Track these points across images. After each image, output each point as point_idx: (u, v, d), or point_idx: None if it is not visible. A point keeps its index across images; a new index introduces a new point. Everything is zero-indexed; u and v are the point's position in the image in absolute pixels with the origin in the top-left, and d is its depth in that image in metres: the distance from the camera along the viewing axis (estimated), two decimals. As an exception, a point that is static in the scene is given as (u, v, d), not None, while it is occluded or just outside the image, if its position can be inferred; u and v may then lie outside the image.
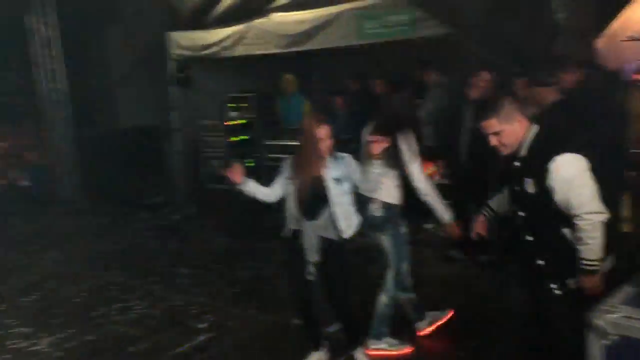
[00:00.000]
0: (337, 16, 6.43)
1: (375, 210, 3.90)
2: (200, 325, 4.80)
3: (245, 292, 5.52)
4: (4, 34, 8.96)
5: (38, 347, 4.62)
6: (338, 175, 3.64)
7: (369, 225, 3.95)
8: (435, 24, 5.73)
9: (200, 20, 7.68)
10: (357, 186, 3.81)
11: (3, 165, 11.09)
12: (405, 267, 4.07)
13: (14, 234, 8.28)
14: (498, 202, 3.33)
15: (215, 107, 8.26)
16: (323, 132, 3.58)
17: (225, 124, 7.57)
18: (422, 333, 4.29)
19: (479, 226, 3.40)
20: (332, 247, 3.69)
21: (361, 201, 3.89)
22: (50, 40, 9.25)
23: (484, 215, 3.39)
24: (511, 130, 2.88)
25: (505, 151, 2.94)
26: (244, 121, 7.71)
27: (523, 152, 2.90)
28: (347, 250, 3.83)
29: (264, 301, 5.25)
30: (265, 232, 7.13)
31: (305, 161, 3.63)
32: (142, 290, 5.70)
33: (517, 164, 2.92)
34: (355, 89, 7.49)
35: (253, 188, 3.78)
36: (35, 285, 6.05)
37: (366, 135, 4.03)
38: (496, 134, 2.90)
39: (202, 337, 4.60)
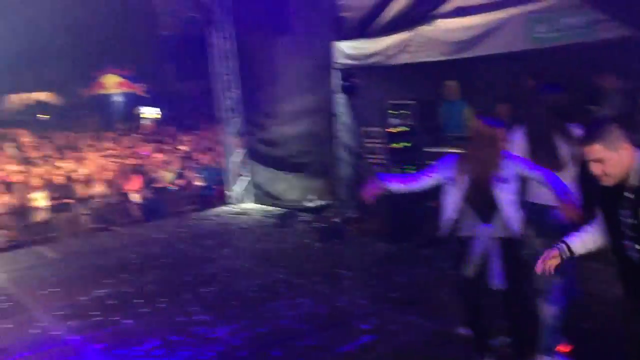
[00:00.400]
0: (506, 21, 6.26)
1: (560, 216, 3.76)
2: (364, 327, 4.95)
3: (406, 297, 5.58)
4: (188, 48, 9.92)
5: (218, 335, 5.05)
6: (507, 175, 3.58)
7: (548, 232, 3.82)
8: (615, 26, 5.37)
9: (365, 29, 7.88)
10: (528, 184, 3.72)
11: (182, 167, 12.24)
12: (574, 277, 3.91)
13: (192, 230, 9.11)
14: (582, 241, 2.94)
15: (376, 114, 8.42)
16: (499, 134, 3.55)
17: (386, 130, 7.70)
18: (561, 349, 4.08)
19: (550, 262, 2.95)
20: (506, 248, 3.63)
21: (538, 209, 3.78)
22: (228, 53, 10.10)
23: (560, 253, 2.94)
24: (617, 159, 2.58)
25: (608, 182, 2.63)
26: (405, 128, 7.77)
27: (633, 181, 2.59)
28: (522, 254, 3.76)
29: (425, 308, 5.27)
30: (425, 237, 7.14)
31: (479, 162, 3.61)
32: (307, 288, 6.00)
33: (628, 195, 2.65)
34: (530, 88, 7.16)
35: (395, 187, 3.86)
36: (212, 277, 6.62)
37: (518, 136, 3.93)
38: (600, 161, 2.61)
39: (365, 339, 4.73)
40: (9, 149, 13.59)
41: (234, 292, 6.10)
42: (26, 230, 9.34)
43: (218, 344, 4.88)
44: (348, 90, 8.27)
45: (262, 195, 10.52)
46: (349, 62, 8.14)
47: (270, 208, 10.06)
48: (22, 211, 10.00)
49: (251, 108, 10.42)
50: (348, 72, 8.25)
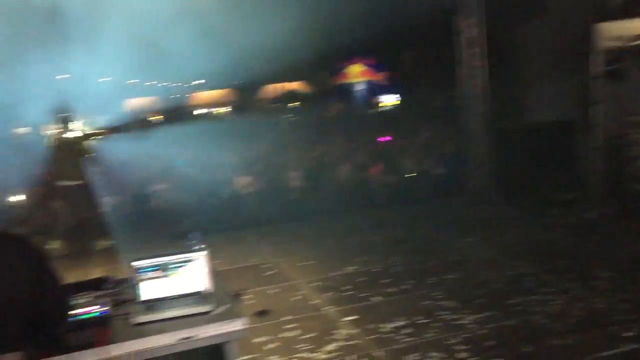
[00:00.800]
0: None
1: None
2: (625, 334, 4.54)
3: (678, 307, 4.98)
4: (431, 36, 10.01)
5: (463, 322, 5.07)
6: None
7: None
8: None
9: (634, 7, 7.12)
10: None
11: (423, 154, 12.40)
12: None
13: (434, 217, 9.20)
14: None
15: (644, 101, 7.59)
16: None
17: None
18: None
19: None
20: None
21: None
22: (475, 40, 9.93)
23: None
24: None
25: None
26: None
27: None
28: None
29: (703, 322, 4.65)
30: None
31: None
32: (558, 286, 5.69)
33: None
34: None
35: None
36: (455, 265, 6.64)
37: None
38: None
39: (628, 347, 4.35)
40: (269, 133, 15.15)
41: (479, 281, 6.05)
42: (283, 207, 10.35)
43: (464, 331, 4.90)
44: (615, 75, 7.56)
45: (506, 185, 10.18)
46: (614, 44, 7.43)
47: (513, 199, 9.70)
48: (279, 190, 11.14)
49: (497, 96, 10.14)
50: (613, 56, 7.54)
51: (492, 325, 4.97)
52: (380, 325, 5.15)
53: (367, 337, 4.94)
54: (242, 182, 10.91)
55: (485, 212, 9.25)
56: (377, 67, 21.10)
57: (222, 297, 2.92)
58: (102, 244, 8.42)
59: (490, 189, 10.41)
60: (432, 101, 15.16)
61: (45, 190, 8.85)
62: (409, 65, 20.57)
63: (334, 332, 5.10)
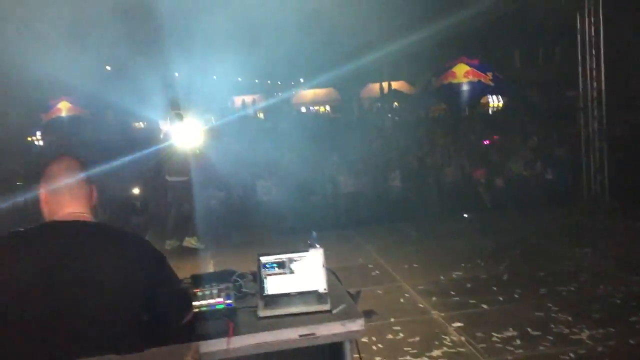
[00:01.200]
0: None
1: None
2: None
3: None
4: (555, 34, 9.61)
5: (579, 337, 4.81)
6: None
7: None
8: None
9: None
10: None
11: (532, 158, 11.90)
12: None
13: (544, 224, 8.82)
14: None
15: None
16: None
17: None
18: None
19: None
20: None
21: None
22: (594, 40, 9.40)
23: None
24: None
25: None
26: None
27: None
28: None
29: None
30: None
31: None
32: (685, 305, 5.29)
33: None
34: None
35: None
36: (570, 276, 6.32)
37: None
38: None
39: None
40: (371, 132, 15.16)
41: (595, 295, 5.73)
42: (386, 208, 10.32)
43: (580, 346, 4.66)
44: None
45: (623, 192, 9.57)
46: None
47: (631, 208, 9.10)
48: (381, 190, 11.13)
49: (616, 96, 9.56)
50: None
51: (611, 342, 4.69)
52: (490, 334, 5.00)
53: (476, 346, 4.82)
54: (344, 181, 11.00)
55: (601, 221, 8.76)
56: (482, 67, 20.47)
57: (339, 296, 2.96)
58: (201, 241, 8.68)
59: (606, 196, 9.84)
60: (543, 103, 14.54)
61: (158, 184, 9.30)
62: (518, 64, 19.85)
63: (440, 337, 5.02)
